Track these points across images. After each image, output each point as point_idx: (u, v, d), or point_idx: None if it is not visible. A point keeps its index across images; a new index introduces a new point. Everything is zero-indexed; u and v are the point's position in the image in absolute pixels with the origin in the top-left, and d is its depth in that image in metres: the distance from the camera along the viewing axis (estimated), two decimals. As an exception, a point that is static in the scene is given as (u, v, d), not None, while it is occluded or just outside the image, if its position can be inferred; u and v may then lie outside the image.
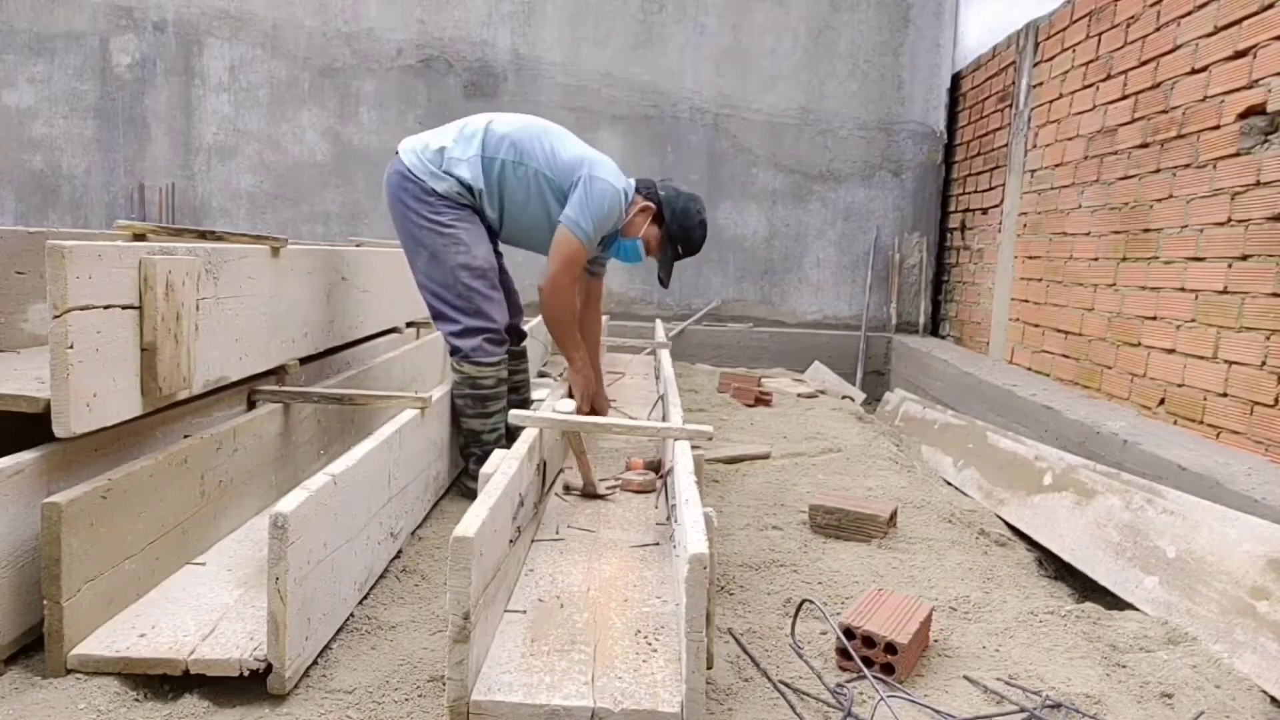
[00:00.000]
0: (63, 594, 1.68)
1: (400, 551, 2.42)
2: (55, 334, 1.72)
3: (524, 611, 1.90)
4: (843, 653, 1.88)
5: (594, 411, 3.20)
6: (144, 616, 1.84)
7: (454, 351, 2.98)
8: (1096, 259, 4.15)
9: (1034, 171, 4.97)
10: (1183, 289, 3.43)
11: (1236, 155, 3.15)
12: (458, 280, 2.93)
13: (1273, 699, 1.88)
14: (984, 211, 5.88)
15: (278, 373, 2.78)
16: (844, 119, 6.75)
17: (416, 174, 2.94)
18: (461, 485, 3.09)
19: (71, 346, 1.73)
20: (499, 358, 3.00)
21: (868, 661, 1.84)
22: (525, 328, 3.48)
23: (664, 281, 3.23)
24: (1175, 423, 3.40)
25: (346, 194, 6.80)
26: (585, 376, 3.13)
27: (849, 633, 1.87)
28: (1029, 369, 4.86)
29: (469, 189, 2.96)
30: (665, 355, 4.43)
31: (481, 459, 2.89)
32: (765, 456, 3.76)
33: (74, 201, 6.74)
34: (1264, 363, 2.94)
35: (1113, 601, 2.44)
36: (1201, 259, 3.33)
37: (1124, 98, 3.98)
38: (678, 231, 3.12)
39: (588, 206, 2.90)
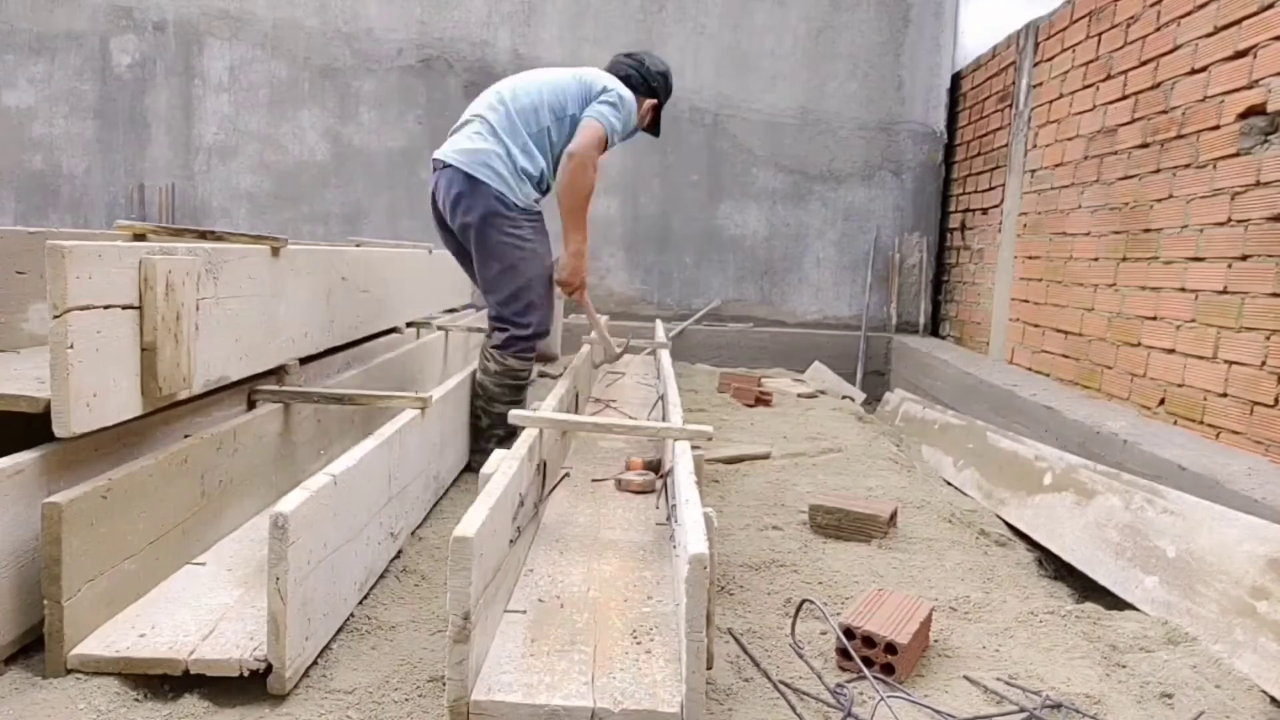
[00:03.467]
0: (63, 594, 1.68)
1: (400, 551, 2.42)
2: (55, 334, 1.72)
3: (524, 611, 1.90)
4: (843, 653, 1.88)
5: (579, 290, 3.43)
6: (144, 616, 1.84)
7: (505, 346, 3.24)
8: (1096, 259, 4.15)
9: (1034, 171, 4.97)
10: (1183, 289, 3.43)
11: (1236, 155, 3.15)
12: (532, 290, 3.22)
13: (1273, 699, 1.89)
14: (984, 211, 5.88)
15: (278, 373, 2.78)
16: (844, 119, 6.75)
17: (499, 191, 3.13)
18: (476, 461, 3.26)
19: (71, 346, 1.73)
20: (535, 353, 3.36)
21: (868, 661, 1.84)
22: None
23: (657, 133, 3.71)
24: (1175, 423, 3.40)
25: (346, 194, 6.80)
26: (579, 255, 3.29)
27: (849, 633, 1.87)
28: (1029, 369, 4.86)
29: (539, 181, 3.25)
30: (665, 355, 4.43)
31: (503, 439, 3.10)
32: (765, 456, 3.76)
33: (74, 201, 6.74)
34: (1264, 363, 2.94)
35: (1113, 601, 2.44)
36: (1201, 259, 3.33)
37: (1124, 98, 3.98)
38: (665, 97, 3.62)
39: (618, 116, 3.22)
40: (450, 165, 3.16)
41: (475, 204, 3.14)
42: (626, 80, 3.40)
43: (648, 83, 3.47)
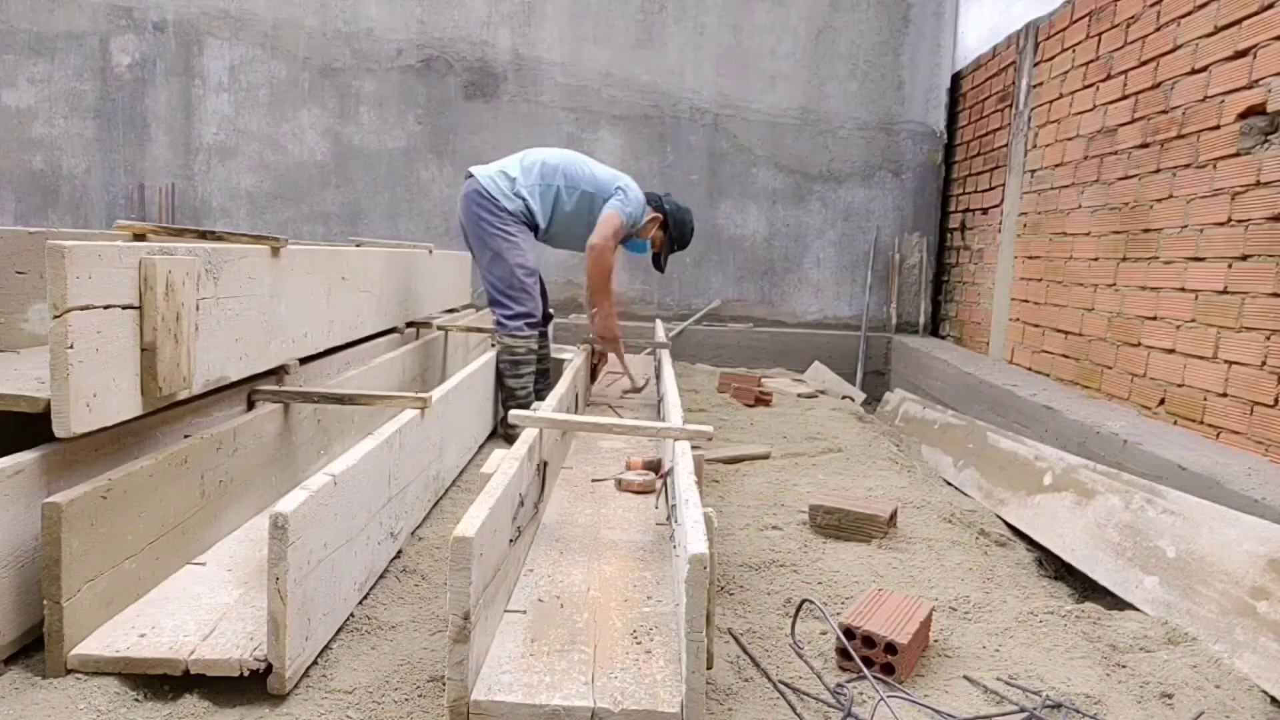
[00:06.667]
0: (63, 594, 1.68)
1: (400, 551, 2.42)
2: (55, 334, 1.72)
3: (524, 611, 1.90)
4: (843, 653, 1.88)
5: (610, 348, 4.32)
6: (144, 616, 1.84)
7: (500, 327, 3.97)
8: (1096, 259, 4.15)
9: (1034, 171, 4.97)
10: (1183, 289, 3.43)
11: (1236, 155, 3.15)
12: (514, 275, 3.93)
13: (1273, 699, 1.89)
14: (984, 211, 5.88)
15: (278, 373, 2.78)
16: (844, 119, 6.75)
17: (492, 193, 3.93)
18: (503, 430, 3.91)
19: (71, 346, 1.73)
20: (530, 334, 3.99)
21: (868, 661, 1.84)
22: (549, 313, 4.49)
23: (661, 269, 4.54)
24: (1175, 423, 3.40)
25: (346, 194, 6.80)
26: (609, 317, 4.20)
27: (849, 633, 1.87)
28: (1029, 369, 4.86)
29: (529, 208, 3.97)
30: (665, 355, 4.43)
31: (518, 407, 3.76)
32: (765, 456, 3.76)
33: (74, 201, 6.74)
34: (1264, 363, 2.94)
35: (1113, 601, 2.44)
36: (1201, 259, 3.33)
37: (1124, 98, 3.98)
38: (676, 235, 4.36)
39: (628, 203, 4.03)
40: (471, 175, 4.03)
41: (474, 203, 3.95)
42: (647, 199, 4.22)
43: (661, 202, 4.28)
